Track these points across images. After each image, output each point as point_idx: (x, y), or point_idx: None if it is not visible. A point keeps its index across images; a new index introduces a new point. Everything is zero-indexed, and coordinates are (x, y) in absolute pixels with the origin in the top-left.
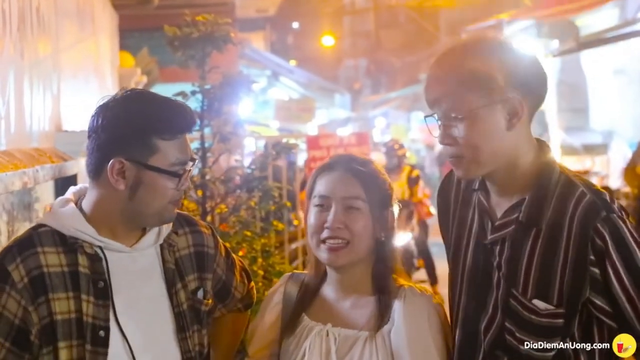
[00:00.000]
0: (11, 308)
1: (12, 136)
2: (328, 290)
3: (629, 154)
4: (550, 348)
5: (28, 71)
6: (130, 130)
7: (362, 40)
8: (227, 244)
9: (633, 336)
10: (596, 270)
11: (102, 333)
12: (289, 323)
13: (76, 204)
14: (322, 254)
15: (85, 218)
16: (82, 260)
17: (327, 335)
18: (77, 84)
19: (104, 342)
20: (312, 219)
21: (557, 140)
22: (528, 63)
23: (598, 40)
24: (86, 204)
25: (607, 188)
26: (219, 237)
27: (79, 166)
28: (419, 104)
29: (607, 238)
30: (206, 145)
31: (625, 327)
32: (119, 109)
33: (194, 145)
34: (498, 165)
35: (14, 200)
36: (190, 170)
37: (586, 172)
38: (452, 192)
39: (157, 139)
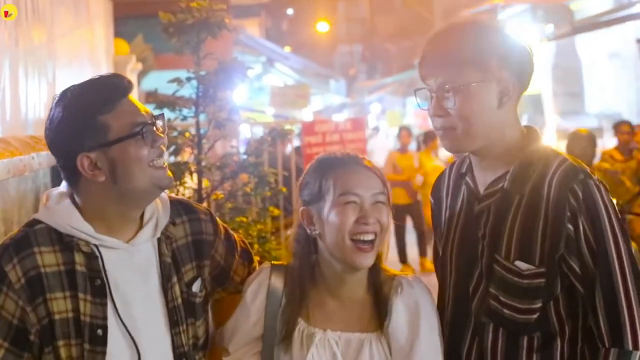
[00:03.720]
0: (9, 308)
1: (8, 123)
2: (319, 293)
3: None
4: (533, 309)
5: (23, 59)
6: (75, 126)
7: (356, 26)
8: None
9: (589, 300)
10: (570, 228)
11: (100, 332)
12: (286, 329)
13: (72, 197)
14: (353, 257)
15: (81, 214)
16: (78, 258)
17: (329, 341)
18: (72, 72)
19: (102, 341)
20: (342, 216)
21: (552, 125)
22: (520, 49)
23: (593, 24)
24: (80, 200)
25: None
26: (218, 220)
27: None
28: (413, 89)
29: (580, 198)
30: (201, 131)
31: (588, 289)
32: (57, 114)
33: (190, 132)
34: (487, 142)
35: (10, 188)
36: (156, 127)
37: None
38: (444, 189)
39: (101, 117)
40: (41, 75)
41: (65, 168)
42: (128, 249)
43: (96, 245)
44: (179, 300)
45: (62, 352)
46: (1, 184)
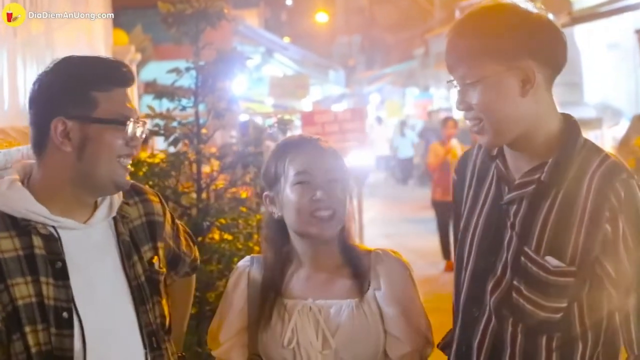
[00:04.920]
0: None
1: (6, 114)
2: (297, 269)
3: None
4: (558, 308)
5: (21, 49)
6: (67, 89)
7: (356, 17)
8: (223, 220)
9: (622, 305)
10: (608, 228)
11: (65, 314)
12: (265, 308)
13: (22, 182)
14: (313, 228)
15: (35, 197)
16: (37, 241)
17: (310, 309)
18: None
19: (69, 324)
20: (296, 196)
21: None
22: (545, 31)
23: (592, 14)
24: (34, 182)
25: None
26: (164, 203)
27: None
28: (413, 80)
29: (623, 198)
30: (200, 121)
31: (622, 294)
32: (52, 74)
33: (188, 121)
34: (519, 132)
35: None
36: (137, 129)
37: None
38: (469, 168)
39: (95, 92)
40: (39, 66)
41: (38, 128)
42: (85, 230)
43: (54, 228)
44: (142, 278)
45: (30, 339)
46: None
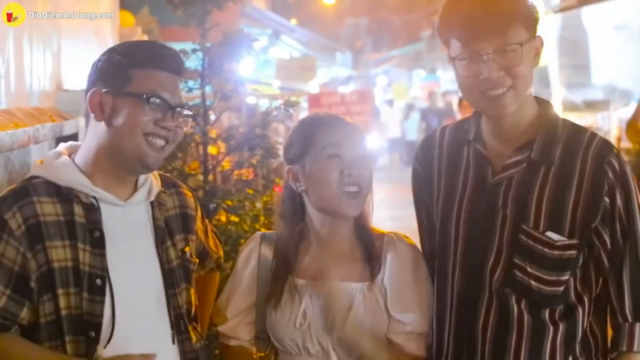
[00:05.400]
0: (10, 255)
1: (13, 95)
2: (309, 248)
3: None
4: (561, 281)
5: (27, 30)
6: (109, 64)
7: None
8: (229, 202)
9: (615, 274)
10: (607, 200)
11: (98, 281)
12: (277, 288)
13: (69, 156)
14: (340, 204)
15: (79, 170)
16: (77, 209)
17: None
18: (77, 43)
19: (101, 290)
20: (326, 169)
21: (558, 97)
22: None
23: None
24: (79, 156)
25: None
26: (197, 200)
27: (80, 125)
28: (420, 62)
29: (618, 172)
30: (207, 103)
31: (616, 264)
32: (106, 52)
33: (195, 103)
34: (521, 104)
35: (15, 160)
36: (174, 113)
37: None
38: (435, 156)
39: (132, 70)
40: (46, 47)
41: (86, 100)
42: (124, 208)
43: (95, 199)
44: (174, 263)
45: (62, 301)
46: (5, 156)
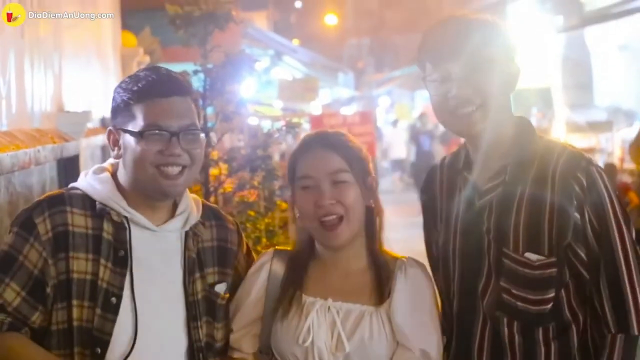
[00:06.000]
0: (32, 259)
1: (14, 116)
2: (319, 266)
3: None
4: (546, 299)
5: (29, 50)
6: (116, 102)
7: (365, 19)
8: None
9: (595, 286)
10: (577, 216)
11: (114, 300)
12: (284, 301)
13: (112, 175)
14: (320, 236)
15: (118, 189)
16: (107, 226)
17: (329, 309)
18: (79, 64)
19: (115, 309)
20: (302, 201)
21: (562, 118)
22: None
23: (602, 15)
24: (121, 173)
25: (611, 165)
26: (243, 235)
27: (81, 146)
28: (422, 83)
29: (585, 186)
30: (209, 125)
31: (594, 276)
32: (118, 85)
33: None
34: (492, 125)
35: (16, 181)
36: (178, 139)
37: (591, 150)
38: (437, 186)
39: (133, 105)
40: (47, 68)
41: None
42: (155, 233)
43: (126, 219)
44: (199, 295)
45: (75, 312)
46: (6, 178)
